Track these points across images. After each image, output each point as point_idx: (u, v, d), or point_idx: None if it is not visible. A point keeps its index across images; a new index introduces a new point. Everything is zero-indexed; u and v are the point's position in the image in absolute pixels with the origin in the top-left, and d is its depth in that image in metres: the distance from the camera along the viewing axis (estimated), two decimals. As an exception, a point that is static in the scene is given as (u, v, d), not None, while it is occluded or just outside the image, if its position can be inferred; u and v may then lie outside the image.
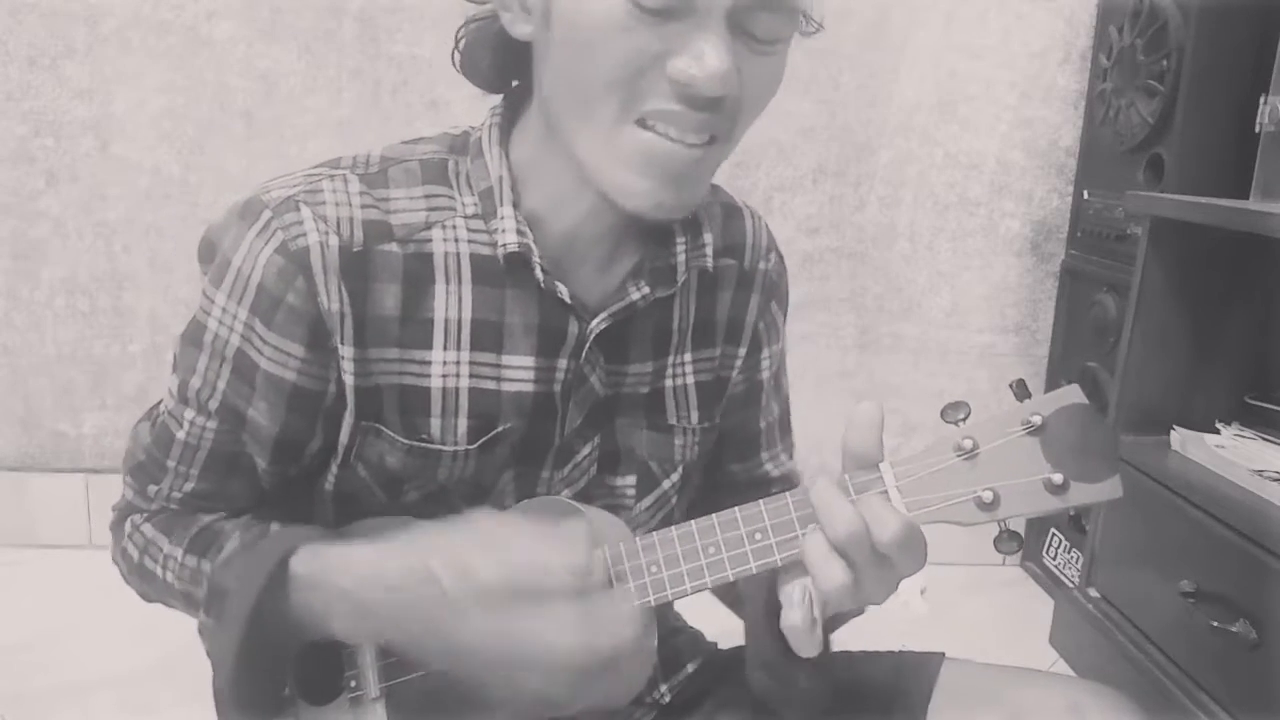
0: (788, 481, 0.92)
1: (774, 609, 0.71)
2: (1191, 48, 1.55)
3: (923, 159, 1.95)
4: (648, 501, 0.81)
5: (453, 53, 0.75)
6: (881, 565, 0.58)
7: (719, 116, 0.64)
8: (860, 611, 0.69)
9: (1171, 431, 1.51)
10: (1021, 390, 0.60)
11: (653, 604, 0.64)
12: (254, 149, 1.83)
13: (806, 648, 0.61)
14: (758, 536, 0.62)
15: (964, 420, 0.59)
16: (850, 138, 1.93)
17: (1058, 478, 0.57)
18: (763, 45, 0.63)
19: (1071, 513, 0.59)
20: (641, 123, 0.63)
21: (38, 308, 1.88)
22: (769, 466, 0.92)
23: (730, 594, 0.68)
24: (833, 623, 0.70)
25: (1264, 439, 1.46)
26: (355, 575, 0.63)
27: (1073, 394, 0.59)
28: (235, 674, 0.64)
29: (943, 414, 0.60)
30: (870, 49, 1.89)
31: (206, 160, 1.83)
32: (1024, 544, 0.54)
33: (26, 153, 1.80)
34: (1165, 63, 1.60)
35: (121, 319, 1.90)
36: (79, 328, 1.89)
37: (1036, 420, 0.58)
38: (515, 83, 0.75)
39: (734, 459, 0.89)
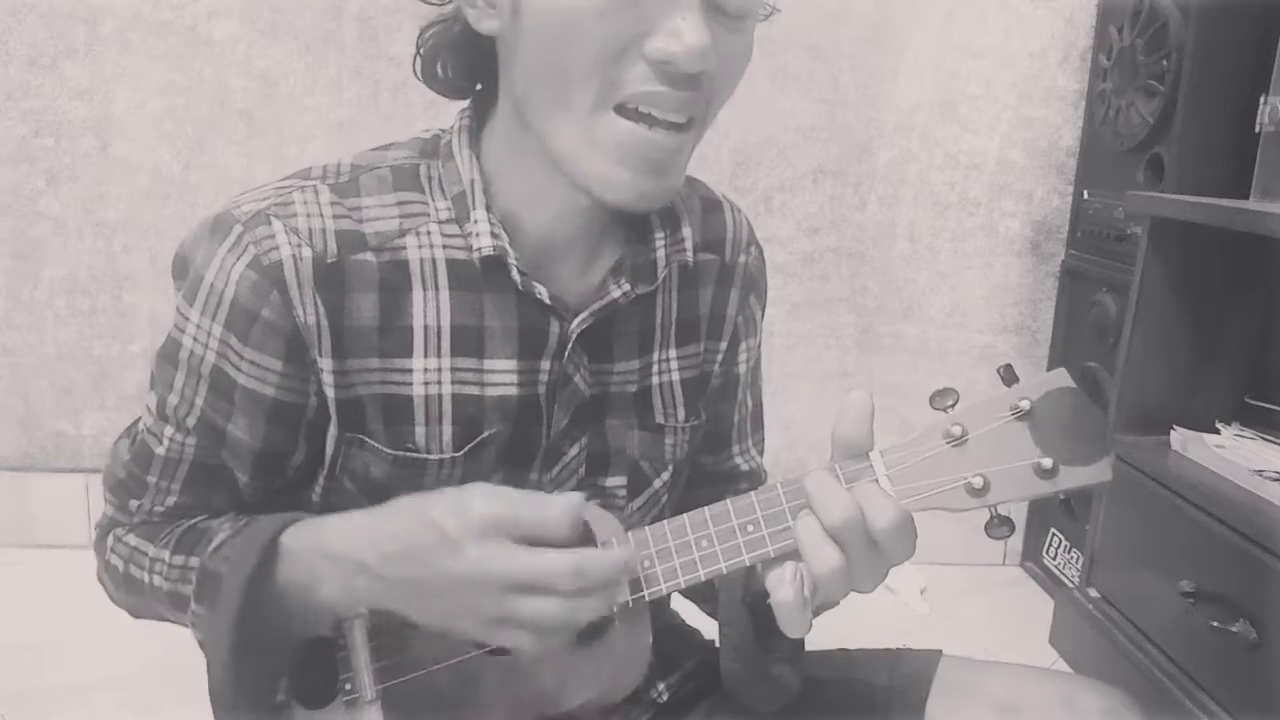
0: (754, 478, 0.92)
1: (748, 599, 0.71)
2: (1191, 48, 1.55)
3: (923, 159, 1.95)
4: (639, 502, 0.80)
5: (414, 60, 0.74)
6: (873, 552, 0.58)
7: (697, 96, 0.64)
8: (840, 600, 0.69)
9: (1171, 431, 1.50)
10: (1009, 375, 0.60)
11: (646, 599, 0.64)
12: (254, 149, 1.83)
13: (795, 627, 0.61)
14: (750, 528, 0.62)
15: (952, 407, 0.60)
16: (850, 138, 1.93)
17: (1047, 462, 0.57)
18: (734, 21, 0.64)
19: (1062, 497, 0.59)
20: (621, 109, 0.63)
21: (38, 308, 1.88)
22: (739, 460, 0.91)
23: (700, 587, 0.68)
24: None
25: (1264, 439, 1.46)
26: (348, 537, 0.64)
27: (1060, 378, 0.59)
28: (231, 657, 0.64)
29: (931, 400, 0.60)
30: (870, 49, 1.89)
31: (206, 160, 1.83)
32: (1015, 529, 0.54)
33: (26, 153, 1.81)
34: (1165, 63, 1.60)
35: (121, 319, 1.90)
36: (79, 328, 1.89)
37: (1025, 405, 0.58)
38: (479, 86, 0.74)
39: (706, 451, 0.89)
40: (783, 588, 0.60)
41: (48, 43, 1.77)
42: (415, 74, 0.75)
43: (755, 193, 1.92)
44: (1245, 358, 1.54)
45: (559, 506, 0.60)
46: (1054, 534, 1.96)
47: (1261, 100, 1.46)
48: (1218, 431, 1.50)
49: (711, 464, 0.90)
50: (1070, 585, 1.79)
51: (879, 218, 1.97)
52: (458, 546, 0.59)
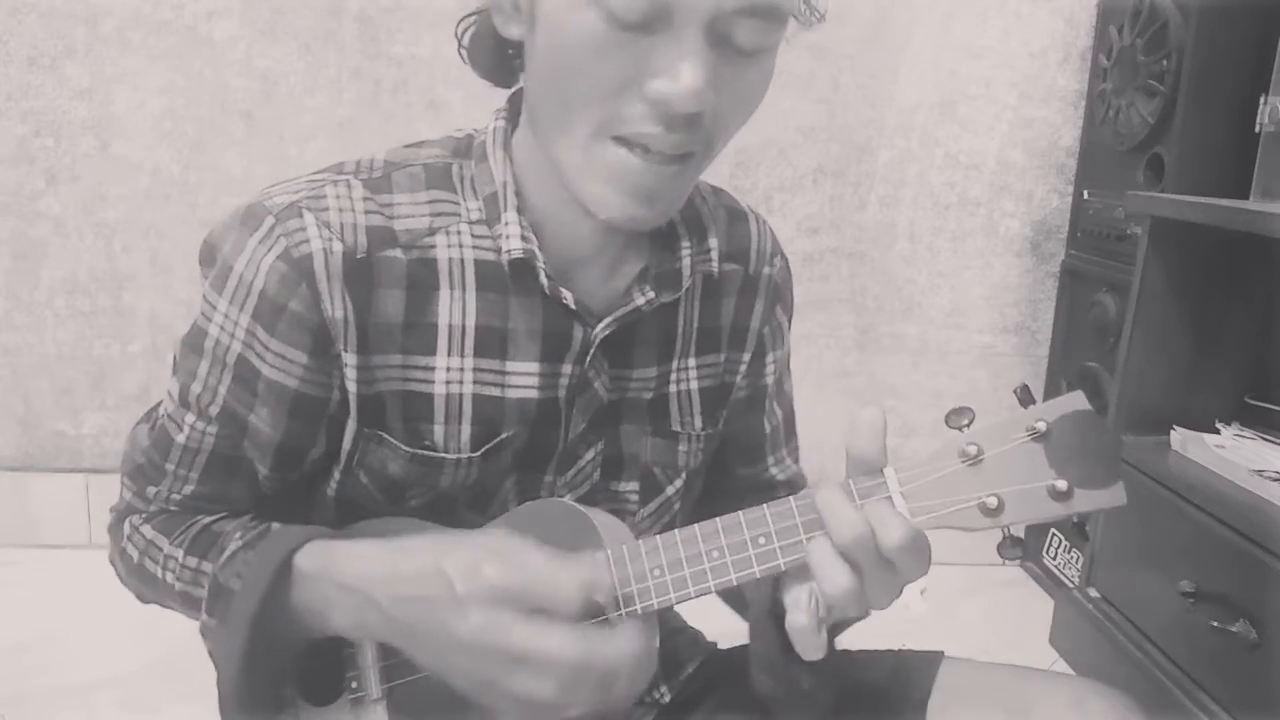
0: (792, 485, 0.92)
1: (777, 611, 0.71)
2: (1191, 48, 1.55)
3: (923, 159, 1.95)
4: (651, 507, 0.81)
5: (459, 48, 0.74)
6: (886, 570, 0.58)
7: (696, 134, 0.63)
8: (864, 616, 0.69)
9: (1171, 431, 1.51)
10: (1026, 396, 0.60)
11: (655, 608, 0.64)
12: (254, 149, 1.83)
13: (811, 650, 0.61)
14: (761, 540, 0.62)
15: (968, 425, 0.59)
16: (850, 138, 1.93)
17: (1062, 484, 0.57)
18: (745, 56, 0.62)
19: (1075, 519, 0.59)
20: (619, 139, 0.62)
21: (38, 308, 1.88)
22: (774, 470, 0.91)
23: (734, 596, 0.68)
24: (836, 628, 0.70)
25: (1264, 439, 1.46)
26: (362, 570, 0.62)
27: (1077, 400, 0.59)
28: (241, 673, 0.63)
29: (947, 419, 0.60)
30: (870, 49, 1.89)
31: (206, 160, 1.83)
32: (1027, 549, 0.54)
33: (26, 153, 1.80)
34: (1165, 63, 1.60)
35: (121, 319, 1.90)
36: (79, 328, 1.89)
37: (1041, 426, 0.58)
38: (521, 79, 0.74)
39: (740, 463, 0.89)
40: (798, 614, 0.60)
41: (48, 43, 1.76)
42: (461, 56, 0.74)
43: (755, 193, 1.92)
44: (1245, 358, 1.54)
45: (572, 584, 0.57)
46: (1054, 534, 1.97)
47: (1261, 100, 1.46)
48: (1218, 431, 1.50)
49: (749, 476, 0.90)
50: (1070, 585, 1.80)
51: (879, 218, 1.97)
52: (463, 608, 0.57)
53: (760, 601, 0.70)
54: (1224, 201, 1.41)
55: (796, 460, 0.94)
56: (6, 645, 1.58)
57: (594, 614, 0.62)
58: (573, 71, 0.61)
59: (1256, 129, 1.47)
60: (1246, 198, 1.48)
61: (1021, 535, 0.60)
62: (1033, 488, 0.58)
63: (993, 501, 0.58)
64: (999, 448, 0.59)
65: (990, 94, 1.93)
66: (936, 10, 1.89)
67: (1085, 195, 1.90)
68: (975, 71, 1.92)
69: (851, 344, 2.02)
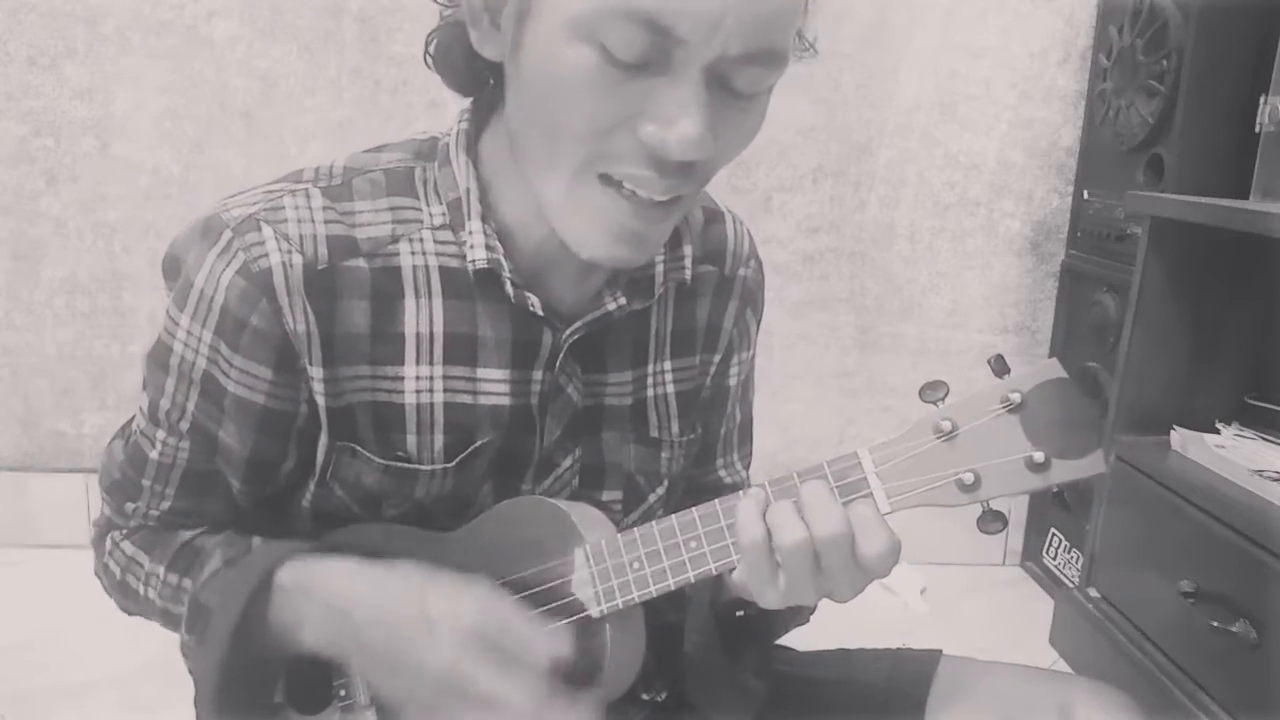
0: (737, 491, 0.92)
1: (719, 606, 0.71)
2: (1191, 48, 1.54)
3: (923, 159, 1.95)
4: (634, 516, 0.80)
5: (425, 55, 0.72)
6: (855, 569, 0.59)
7: (687, 180, 0.61)
8: (804, 621, 0.71)
9: (1171, 431, 1.50)
10: (1000, 366, 0.59)
11: (636, 601, 0.64)
12: (254, 149, 1.83)
13: (767, 594, 0.61)
14: None
15: (942, 400, 0.59)
16: (850, 138, 1.93)
17: (1039, 456, 0.57)
18: (743, 99, 0.60)
19: (1055, 489, 0.59)
20: (605, 179, 0.61)
21: (38, 308, 1.88)
22: (722, 473, 0.91)
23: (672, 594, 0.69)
24: (780, 624, 0.71)
25: (1264, 439, 1.46)
26: (343, 589, 0.63)
27: (1052, 369, 0.58)
28: (218, 693, 0.64)
29: (921, 394, 0.60)
30: (870, 49, 1.89)
31: (206, 160, 1.83)
32: (1008, 523, 0.55)
33: (26, 153, 1.81)
34: (1165, 63, 1.60)
35: (121, 319, 1.90)
36: (79, 328, 1.89)
37: (1016, 398, 0.57)
38: (491, 82, 0.72)
39: (690, 463, 0.88)
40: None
41: (48, 43, 1.76)
42: (427, 64, 0.72)
43: (755, 193, 1.92)
44: (1245, 358, 1.54)
45: (544, 642, 0.59)
46: (1054, 534, 1.96)
47: (1261, 100, 1.46)
48: (1218, 431, 1.50)
49: (695, 476, 0.89)
50: (1070, 585, 1.79)
51: (879, 218, 1.97)
52: (438, 642, 0.58)
53: (700, 595, 0.70)
54: (1224, 201, 1.41)
55: (747, 467, 0.93)
56: (6, 645, 1.58)
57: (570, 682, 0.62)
58: (561, 107, 0.59)
59: (1256, 129, 1.47)
60: (1246, 198, 1.47)
61: (1002, 509, 0.59)
62: (1009, 460, 0.58)
63: (969, 477, 0.58)
64: (973, 421, 0.58)
65: (990, 94, 1.92)
66: (936, 10, 1.89)
67: (1085, 195, 1.89)
68: (975, 71, 1.91)
69: (851, 344, 2.02)
